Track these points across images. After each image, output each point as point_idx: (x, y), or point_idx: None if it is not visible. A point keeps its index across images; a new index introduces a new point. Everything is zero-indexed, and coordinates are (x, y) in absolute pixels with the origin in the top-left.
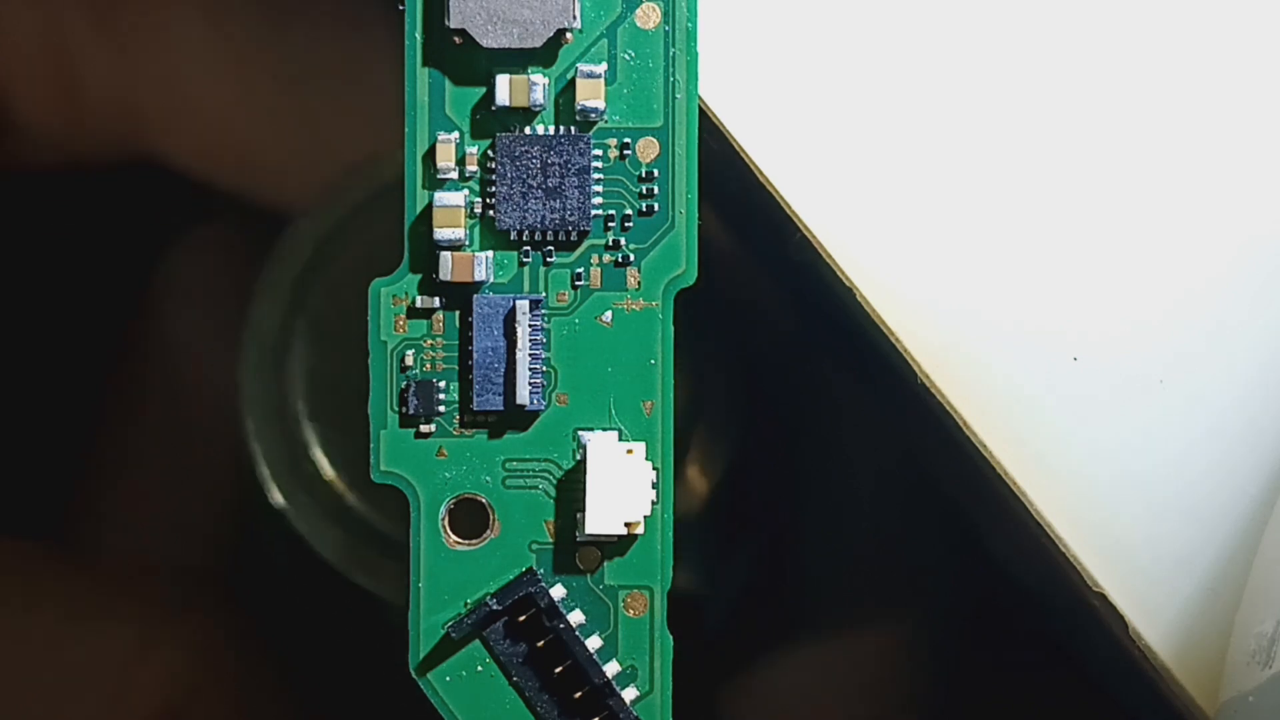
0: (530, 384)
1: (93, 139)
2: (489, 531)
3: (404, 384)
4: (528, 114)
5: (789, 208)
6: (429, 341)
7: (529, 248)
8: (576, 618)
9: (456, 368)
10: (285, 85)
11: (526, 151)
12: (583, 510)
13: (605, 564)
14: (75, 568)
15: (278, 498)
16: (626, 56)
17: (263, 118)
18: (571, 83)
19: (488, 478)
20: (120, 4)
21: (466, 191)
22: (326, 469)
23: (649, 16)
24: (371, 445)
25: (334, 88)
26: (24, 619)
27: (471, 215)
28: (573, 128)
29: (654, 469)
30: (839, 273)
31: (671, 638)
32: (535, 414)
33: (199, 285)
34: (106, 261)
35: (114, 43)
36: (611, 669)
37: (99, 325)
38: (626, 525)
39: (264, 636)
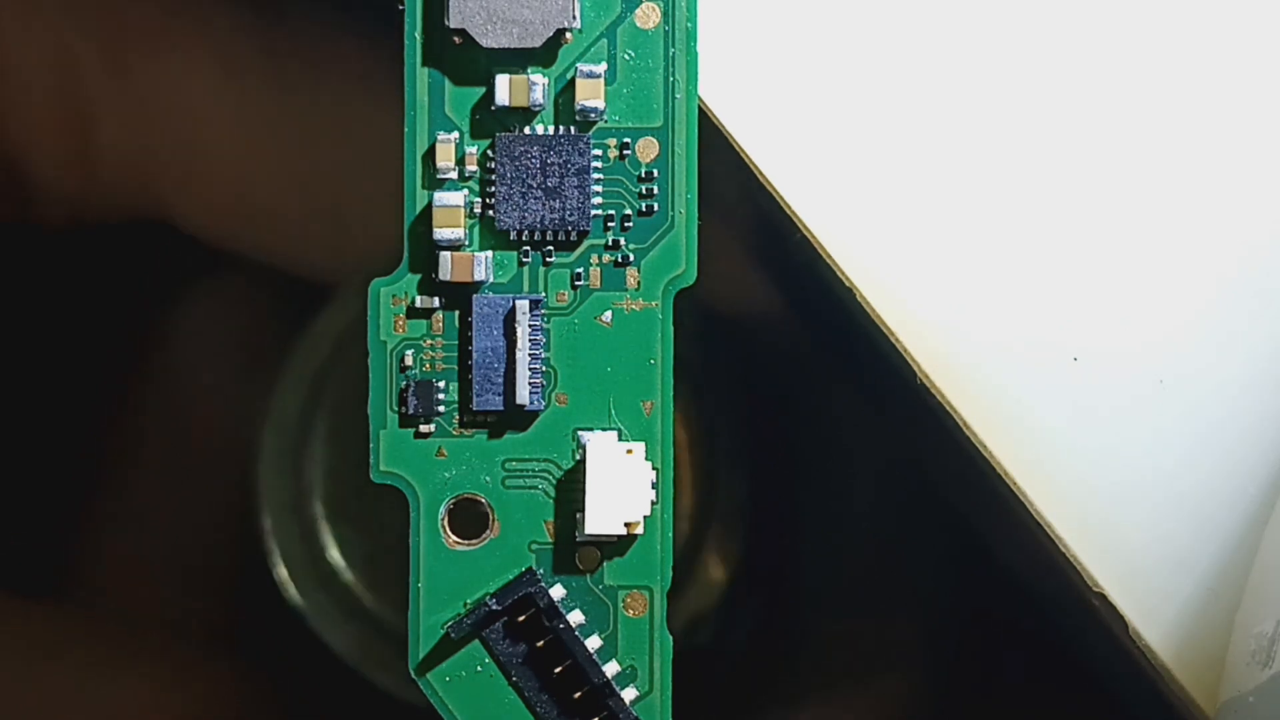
0: (530, 384)
1: (106, 197)
2: (488, 531)
3: (403, 384)
4: (527, 114)
5: (789, 208)
6: (428, 341)
7: (529, 248)
8: (576, 618)
9: (456, 368)
10: (298, 145)
11: (526, 151)
12: (582, 510)
13: (605, 564)
14: (85, 623)
15: (294, 596)
16: (626, 56)
17: (275, 177)
18: (571, 82)
19: (487, 478)
20: (136, 63)
21: (466, 191)
22: (344, 571)
23: (649, 16)
24: (371, 445)
25: (348, 148)
26: (36, 676)
27: (471, 215)
28: (572, 128)
29: (653, 469)
30: (839, 273)
31: (671, 638)
32: (535, 414)
33: (207, 342)
34: (115, 318)
35: (129, 101)
36: (611, 669)
37: (106, 381)
38: (626, 525)
39: (274, 689)
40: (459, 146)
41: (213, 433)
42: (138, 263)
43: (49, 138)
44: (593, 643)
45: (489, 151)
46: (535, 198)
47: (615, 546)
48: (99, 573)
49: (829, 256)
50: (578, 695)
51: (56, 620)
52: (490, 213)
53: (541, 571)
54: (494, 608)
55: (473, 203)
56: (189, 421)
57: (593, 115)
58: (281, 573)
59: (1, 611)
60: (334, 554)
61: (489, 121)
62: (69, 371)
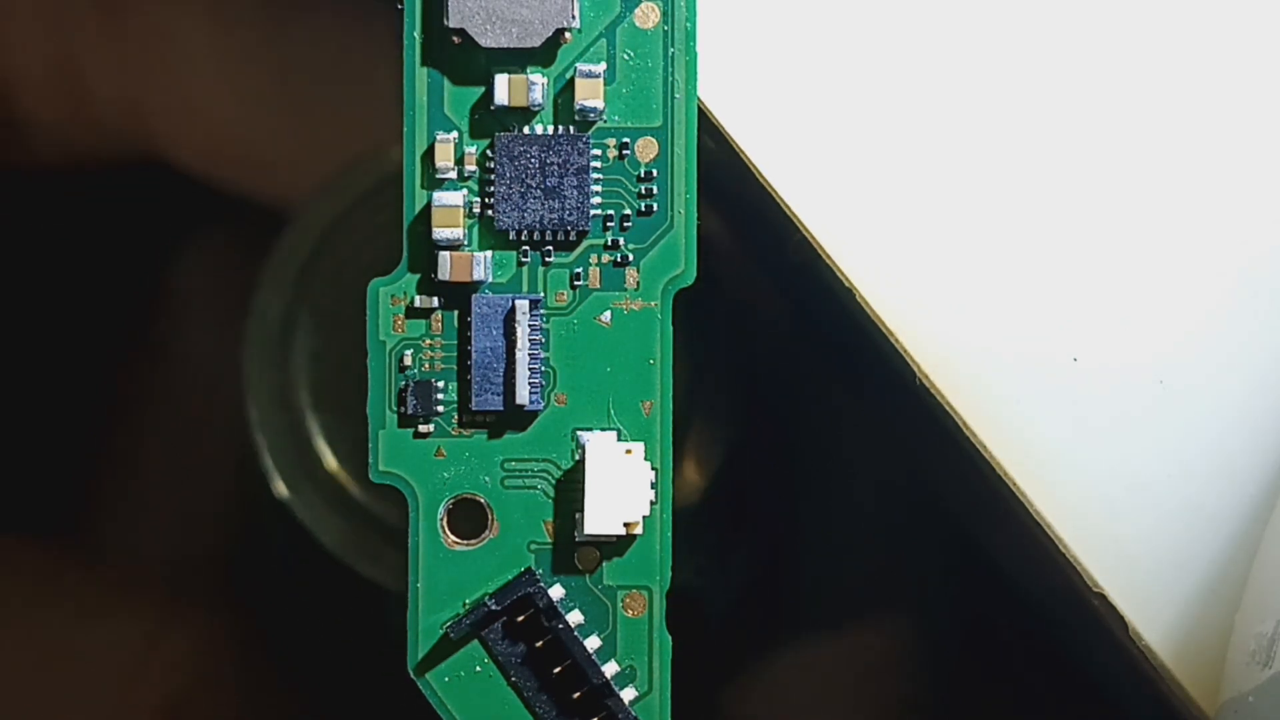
0: (529, 384)
1: (98, 138)
2: (488, 531)
3: (402, 384)
4: (526, 114)
5: (788, 209)
6: (428, 341)
7: (528, 247)
8: (575, 618)
9: (455, 367)
10: (289, 84)
11: (525, 151)
12: (581, 510)
13: (604, 564)
14: (83, 565)
15: (281, 489)
16: (625, 56)
17: (266, 117)
18: (570, 82)
19: (486, 478)
20: (126, 5)
21: (465, 191)
22: (330, 460)
23: (648, 16)
24: (370, 445)
25: (337, 86)
26: (35, 616)
27: (470, 215)
28: (571, 127)
29: (653, 469)
30: (838, 273)
31: (670, 638)
32: (534, 414)
33: (203, 283)
34: (111, 260)
35: (119, 43)
36: (610, 669)
37: (103, 323)
38: (625, 525)
39: (266, 630)
40: (458, 146)
41: (210, 378)
42: (136, 204)
43: (42, 81)
44: (592, 643)
45: (488, 151)
46: (534, 198)
47: (614, 546)
48: (97, 517)
49: (829, 257)
50: (577, 695)
51: (55, 559)
52: (489, 213)
53: (540, 571)
54: (493, 608)
55: (472, 202)
56: (186, 360)
57: (592, 115)
58: (268, 463)
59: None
60: (320, 444)
61: (488, 121)
62: (66, 311)
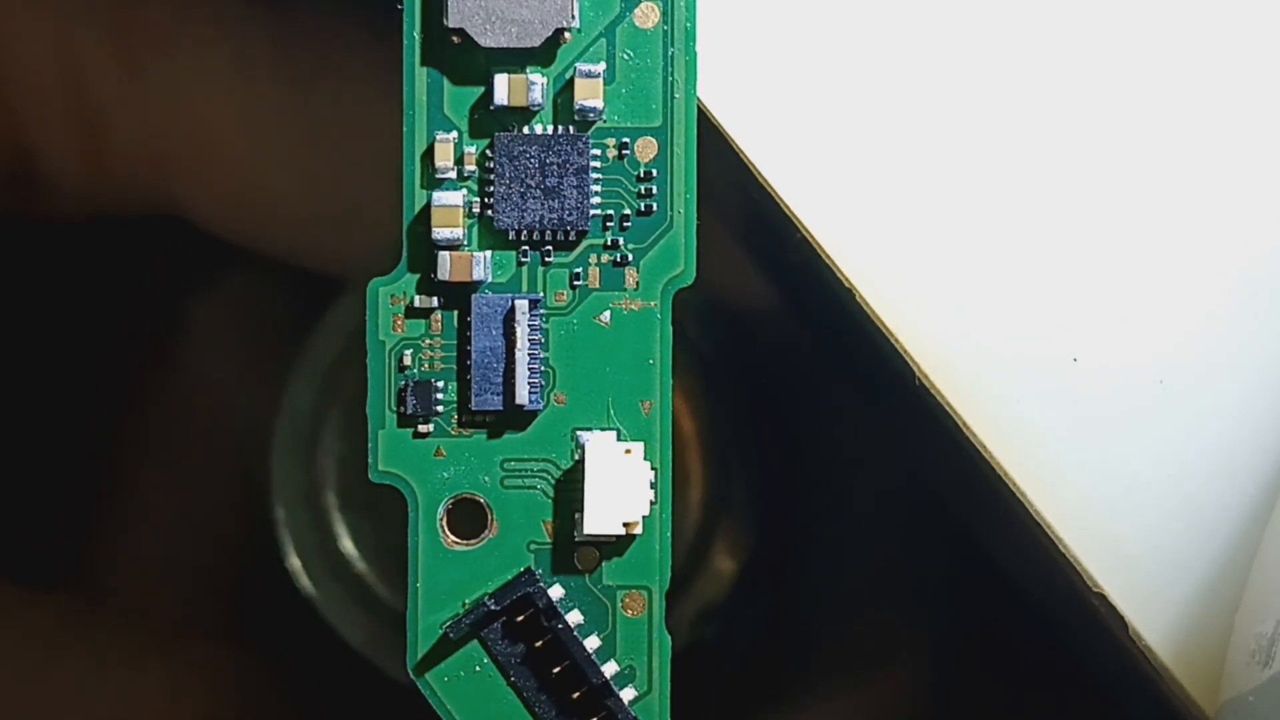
0: (529, 384)
1: (118, 192)
2: (487, 531)
3: (402, 384)
4: (526, 113)
5: (788, 209)
6: (427, 341)
7: (527, 247)
8: (575, 618)
9: (455, 367)
10: (311, 141)
11: (525, 151)
12: (581, 510)
13: (604, 564)
14: (95, 619)
15: (307, 586)
16: (625, 56)
17: (287, 173)
18: (570, 82)
19: (486, 478)
20: (148, 58)
21: (465, 191)
22: (357, 561)
23: (648, 16)
24: (370, 445)
25: (360, 143)
26: (50, 671)
27: (470, 215)
28: (571, 127)
29: (652, 469)
30: (838, 274)
31: (670, 638)
32: (534, 414)
33: (220, 337)
34: (129, 313)
35: (141, 96)
36: (610, 669)
37: (119, 376)
38: (625, 525)
39: (286, 683)
40: (458, 146)
41: (225, 426)
42: (152, 258)
43: (61, 133)
44: (591, 643)
45: (488, 151)
46: (534, 197)
47: (614, 546)
48: (110, 568)
49: (828, 257)
50: (576, 695)
51: (67, 615)
52: (489, 212)
53: (540, 571)
54: (492, 608)
55: (471, 202)
56: (201, 415)
57: (591, 115)
58: (294, 563)
59: (13, 606)
60: (347, 544)
61: (488, 121)
62: (82, 366)
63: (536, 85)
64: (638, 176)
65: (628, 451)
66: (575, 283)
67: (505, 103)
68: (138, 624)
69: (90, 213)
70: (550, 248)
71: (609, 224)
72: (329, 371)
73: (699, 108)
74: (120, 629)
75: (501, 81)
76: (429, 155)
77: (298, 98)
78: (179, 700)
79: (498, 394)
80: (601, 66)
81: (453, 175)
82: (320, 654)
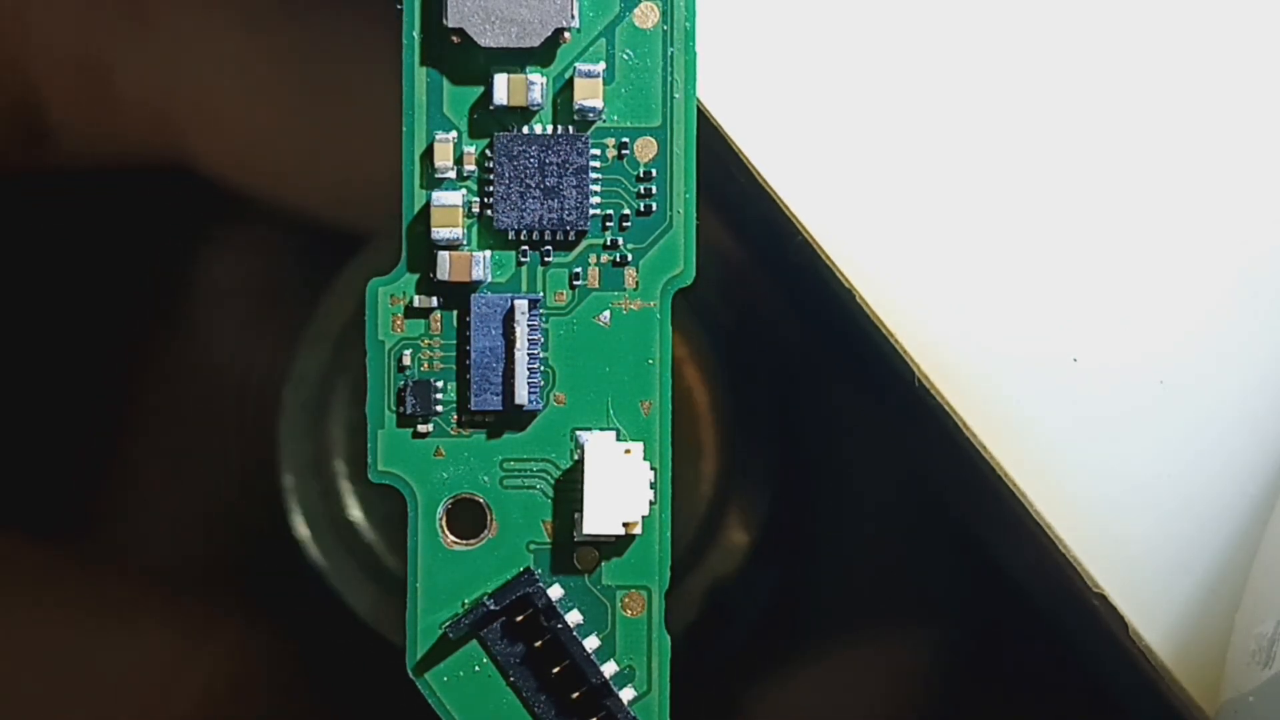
0: (528, 384)
1: (126, 143)
2: (486, 531)
3: (401, 383)
4: (526, 113)
5: (788, 209)
6: (427, 341)
7: (527, 247)
8: (574, 618)
9: (454, 367)
10: (321, 96)
11: (524, 151)
12: (580, 510)
13: (603, 564)
14: (106, 571)
15: (316, 555)
16: (625, 56)
17: (297, 129)
18: (570, 82)
19: (485, 477)
20: (156, 10)
21: (464, 191)
22: (365, 530)
23: (647, 16)
24: (369, 445)
25: (369, 97)
26: (58, 623)
27: (469, 215)
28: (571, 127)
29: (652, 469)
30: (838, 274)
31: (669, 637)
32: (533, 414)
33: (231, 291)
34: (137, 264)
35: (149, 48)
36: (609, 669)
37: (128, 327)
38: (624, 525)
39: (296, 644)
40: (457, 146)
41: (235, 385)
42: (162, 212)
43: (69, 84)
44: (591, 643)
45: (487, 151)
46: (533, 197)
47: (613, 546)
48: (119, 525)
49: (828, 258)
50: (576, 695)
51: (81, 569)
52: (489, 212)
53: (539, 571)
54: (492, 608)
55: (471, 202)
56: (212, 371)
57: (591, 115)
58: (303, 531)
59: (22, 558)
60: (355, 513)
61: (487, 121)
62: (92, 319)
63: (536, 85)
64: (637, 176)
65: (627, 451)
66: (575, 283)
67: (505, 102)
68: (150, 581)
69: (98, 166)
70: (550, 248)
71: (608, 224)
72: (339, 335)
73: (698, 108)
74: (133, 585)
75: (501, 81)
76: (428, 155)
77: (306, 49)
78: (182, 661)
79: (497, 394)
80: (601, 66)
81: (452, 175)
82: (327, 622)
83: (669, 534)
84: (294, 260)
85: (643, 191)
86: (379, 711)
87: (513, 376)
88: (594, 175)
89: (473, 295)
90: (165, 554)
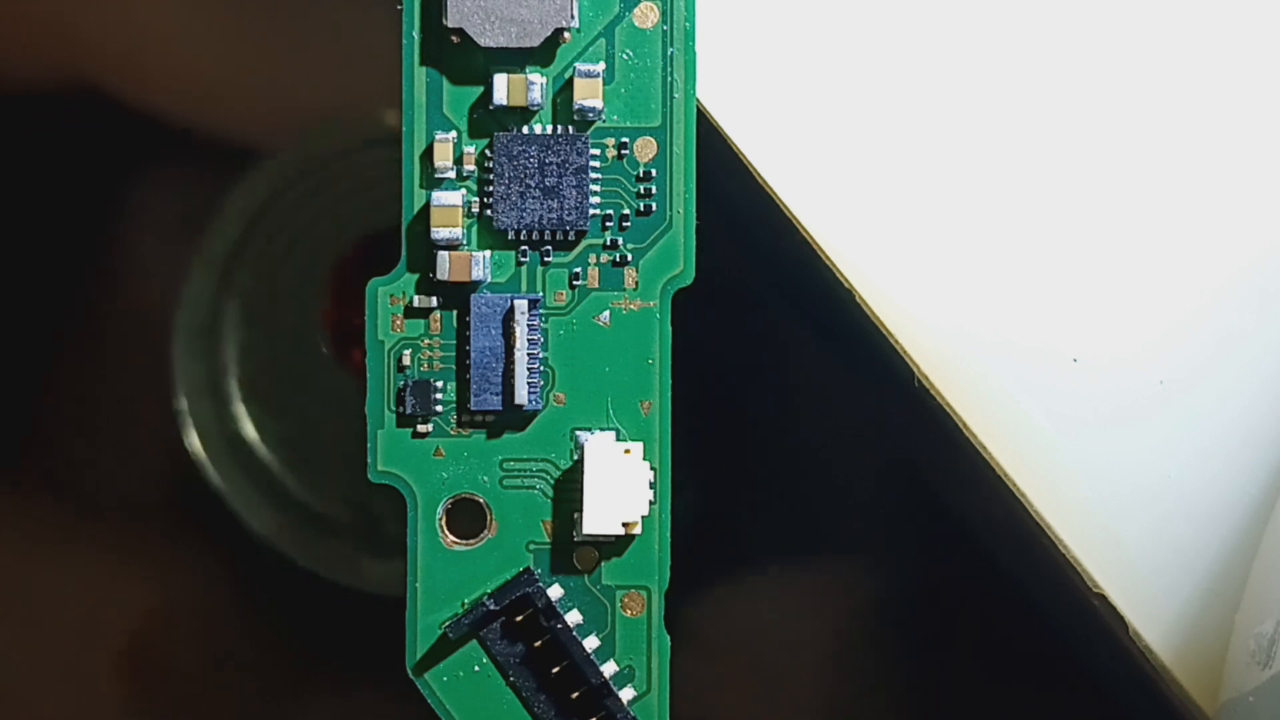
0: (528, 384)
1: (35, 64)
2: (486, 531)
3: (401, 383)
4: (525, 113)
5: (787, 209)
6: (426, 341)
7: (526, 247)
8: (574, 618)
9: (454, 367)
10: (241, 16)
11: (524, 151)
12: (580, 510)
13: (603, 564)
14: (35, 497)
15: (215, 479)
16: (624, 56)
17: (217, 44)
18: (569, 82)
19: (485, 477)
20: None
21: (464, 191)
22: (262, 450)
23: (647, 16)
24: (369, 445)
25: (286, 17)
26: None
27: (469, 214)
28: (570, 127)
29: (652, 469)
30: (838, 274)
31: (669, 638)
32: (533, 414)
33: (154, 216)
34: (61, 193)
35: None
36: (609, 669)
37: (53, 258)
38: (624, 525)
39: (227, 566)
40: (457, 146)
41: (161, 313)
42: (76, 136)
43: None
44: (590, 643)
45: (487, 151)
46: (533, 197)
47: (613, 546)
48: (47, 452)
49: (828, 257)
50: (575, 695)
51: (8, 501)
52: (488, 212)
53: (539, 571)
54: (491, 608)
55: (470, 202)
56: (139, 300)
57: (591, 115)
58: (199, 453)
59: None
60: (250, 433)
61: (487, 121)
62: (13, 249)
63: (536, 85)
64: (637, 176)
65: (627, 451)
66: (574, 283)
67: (504, 102)
68: (71, 509)
69: (4, 84)
70: (549, 247)
71: (608, 224)
72: (227, 258)
73: (698, 108)
74: (54, 513)
75: (501, 81)
76: (428, 155)
77: None
78: (118, 579)
79: (497, 394)
80: (601, 66)
81: (452, 175)
82: (233, 545)
83: (669, 534)
84: (208, 179)
85: (642, 191)
86: (325, 635)
87: (512, 376)
88: (594, 175)
89: (472, 295)
90: (90, 485)
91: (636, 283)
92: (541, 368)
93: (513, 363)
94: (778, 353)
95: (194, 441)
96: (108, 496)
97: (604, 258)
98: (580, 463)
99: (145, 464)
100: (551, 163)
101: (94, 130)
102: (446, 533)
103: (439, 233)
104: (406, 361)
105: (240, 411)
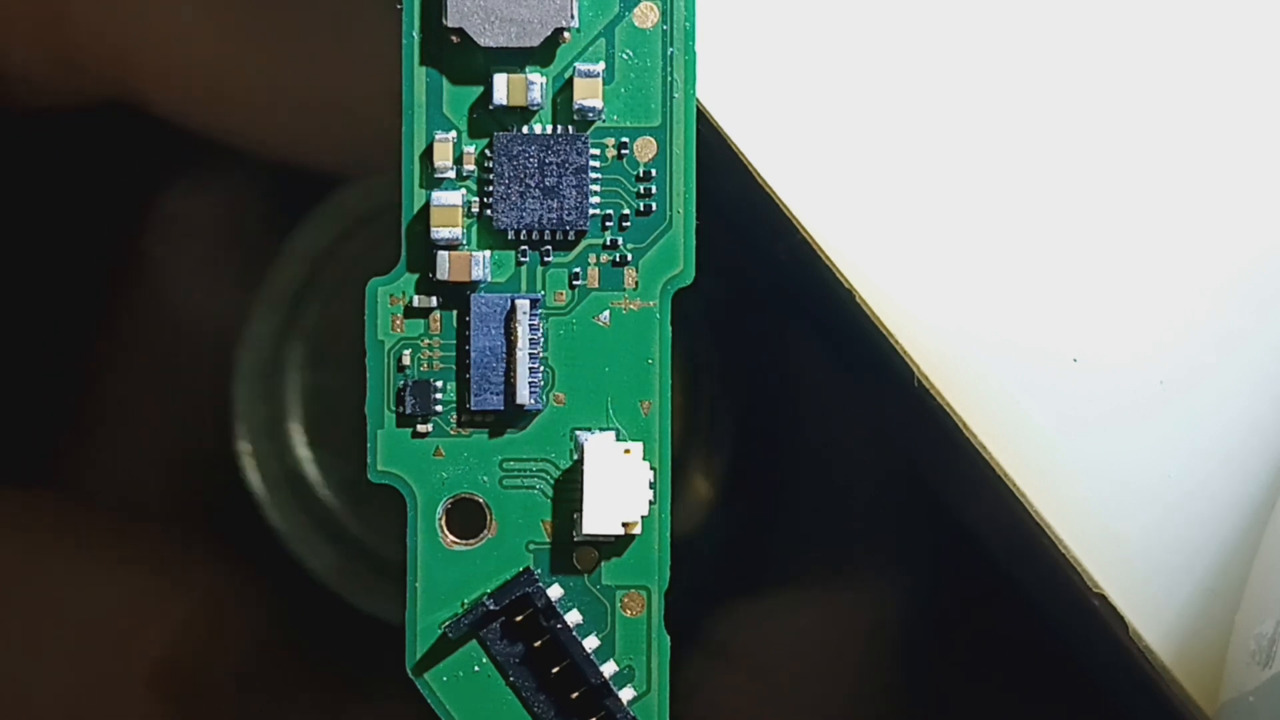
0: (528, 384)
1: (80, 83)
2: (486, 531)
3: (401, 383)
4: (525, 113)
5: (787, 209)
6: (426, 341)
7: (526, 247)
8: (574, 618)
9: (454, 367)
10: (277, 34)
11: (524, 151)
12: (580, 510)
13: (602, 564)
14: (74, 516)
15: (274, 519)
16: (624, 56)
17: (253, 61)
18: (569, 82)
19: (485, 477)
20: None
21: (464, 191)
22: (323, 491)
23: (647, 16)
24: (369, 445)
25: (327, 37)
26: (27, 568)
27: (469, 214)
28: (570, 127)
29: (651, 469)
30: (838, 274)
31: (669, 637)
32: (533, 414)
33: (189, 229)
34: (95, 207)
35: None
36: (609, 669)
37: (85, 271)
38: (624, 525)
39: (265, 584)
40: (457, 146)
41: (193, 334)
42: (115, 150)
43: (22, 23)
44: (590, 643)
45: (487, 151)
46: (533, 197)
47: (613, 546)
48: (90, 469)
49: (828, 258)
50: (575, 695)
51: (39, 514)
52: (488, 212)
53: (539, 571)
54: (491, 607)
55: (470, 202)
56: (171, 314)
57: (591, 115)
58: (261, 494)
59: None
60: (313, 475)
61: (487, 121)
62: (52, 263)
63: (535, 85)
64: (637, 176)
65: (627, 451)
66: (574, 282)
67: (504, 102)
68: (115, 524)
69: (52, 104)
70: (549, 247)
71: (608, 224)
72: (292, 299)
73: (698, 107)
74: (98, 528)
75: (500, 81)
76: (428, 155)
77: None
78: (158, 596)
79: (497, 394)
80: (600, 66)
81: (452, 175)
82: (286, 584)
83: (668, 534)
84: (252, 200)
85: (642, 191)
86: (358, 653)
87: (513, 376)
88: (594, 175)
89: (472, 295)
90: (134, 497)
91: (636, 283)
92: (541, 368)
93: (513, 362)
94: (778, 353)
95: (254, 480)
96: (153, 510)
97: (604, 258)
98: (580, 463)
99: (190, 478)
100: (551, 163)
101: (129, 143)
102: (446, 533)
103: (439, 232)
104: (406, 361)
105: (304, 455)
